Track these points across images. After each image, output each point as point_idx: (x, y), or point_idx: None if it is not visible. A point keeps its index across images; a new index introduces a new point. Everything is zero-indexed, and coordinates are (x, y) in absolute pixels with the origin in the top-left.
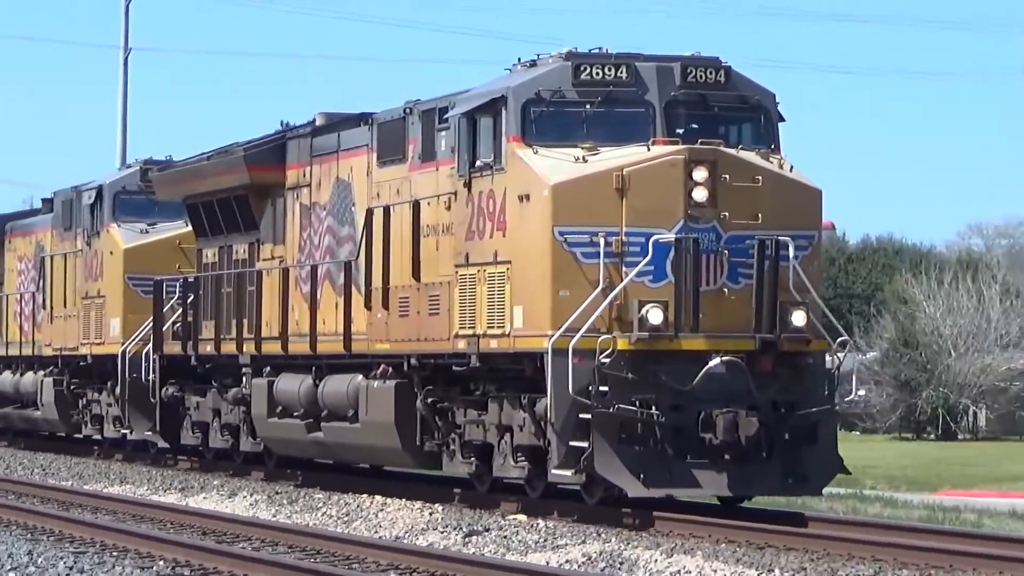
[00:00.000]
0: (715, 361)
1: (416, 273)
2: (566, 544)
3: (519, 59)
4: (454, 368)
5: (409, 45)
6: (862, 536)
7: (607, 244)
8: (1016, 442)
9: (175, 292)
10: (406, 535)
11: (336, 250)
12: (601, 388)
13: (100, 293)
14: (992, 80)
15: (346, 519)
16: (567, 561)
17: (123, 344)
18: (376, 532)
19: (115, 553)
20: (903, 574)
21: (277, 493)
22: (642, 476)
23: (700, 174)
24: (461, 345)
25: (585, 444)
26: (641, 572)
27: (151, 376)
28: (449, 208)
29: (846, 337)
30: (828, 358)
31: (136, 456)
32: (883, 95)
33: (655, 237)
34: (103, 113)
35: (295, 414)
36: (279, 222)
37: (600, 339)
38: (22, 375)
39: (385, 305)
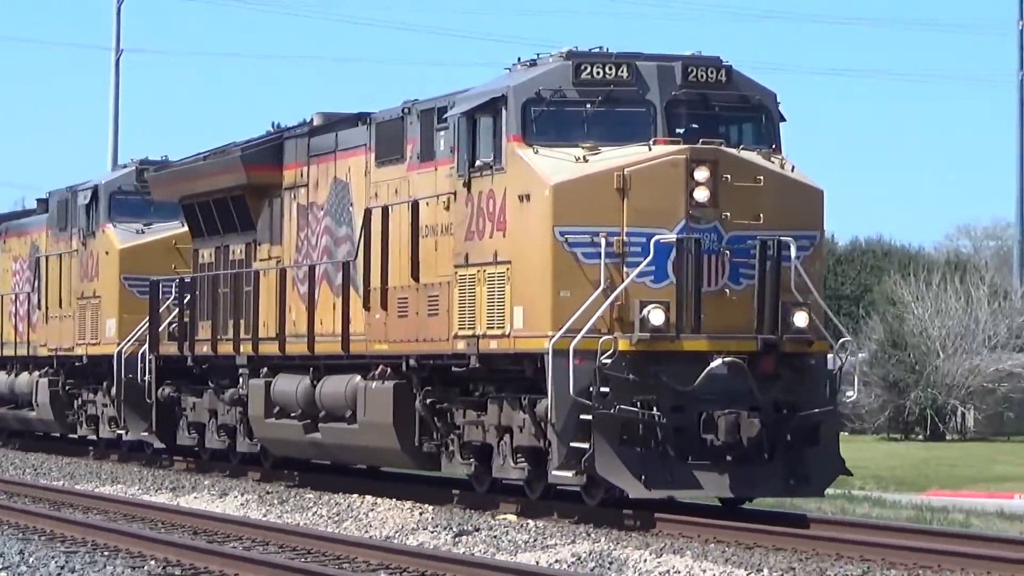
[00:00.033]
0: (717, 362)
1: (415, 273)
2: (556, 544)
3: (519, 58)
4: (453, 369)
5: (406, 47)
6: (851, 536)
7: (608, 244)
8: (1004, 443)
9: (171, 292)
10: (396, 535)
11: (334, 250)
12: (602, 389)
13: (96, 293)
14: (981, 82)
15: (336, 519)
16: (557, 561)
17: (119, 344)
18: (366, 532)
19: (106, 552)
20: (891, 574)
21: (268, 493)
22: (643, 477)
23: (701, 174)
24: (460, 346)
25: (586, 445)
26: (630, 572)
27: (147, 377)
28: (448, 208)
29: (848, 338)
30: (829, 358)
31: (131, 457)
32: (872, 97)
33: (656, 237)
34: (95, 114)
35: (292, 415)
36: (276, 222)
37: (601, 340)
38: (17, 376)
39: (384, 306)
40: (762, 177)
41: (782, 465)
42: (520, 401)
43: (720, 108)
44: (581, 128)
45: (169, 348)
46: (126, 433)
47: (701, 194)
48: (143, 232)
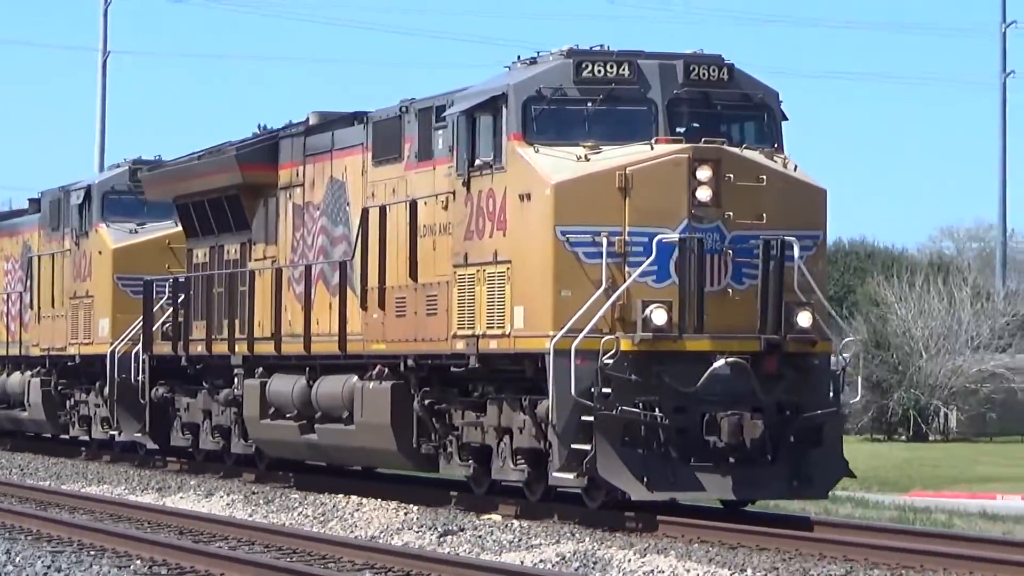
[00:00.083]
0: (719, 362)
1: (413, 273)
2: (540, 544)
3: (519, 56)
4: (452, 369)
5: (402, 49)
6: (834, 536)
7: (610, 244)
8: (986, 443)
9: (165, 292)
10: (381, 535)
11: (330, 250)
12: (604, 390)
13: (88, 293)
14: (963, 85)
15: (322, 519)
16: (541, 561)
17: (112, 344)
18: (352, 532)
19: (92, 552)
20: (874, 574)
21: (254, 493)
22: (645, 479)
23: (704, 173)
24: (460, 346)
25: (587, 447)
26: (614, 572)
27: (140, 377)
28: (446, 208)
29: (853, 338)
30: (832, 359)
31: (124, 458)
32: (855, 99)
33: (659, 237)
34: (84, 116)
35: (288, 416)
36: (271, 222)
37: (603, 340)
38: (9, 375)
39: (381, 305)
40: (765, 176)
41: (785, 467)
42: (520, 402)
43: (722, 107)
44: (582, 127)
45: (163, 348)
46: (119, 434)
47: (703, 193)
48: (136, 232)
